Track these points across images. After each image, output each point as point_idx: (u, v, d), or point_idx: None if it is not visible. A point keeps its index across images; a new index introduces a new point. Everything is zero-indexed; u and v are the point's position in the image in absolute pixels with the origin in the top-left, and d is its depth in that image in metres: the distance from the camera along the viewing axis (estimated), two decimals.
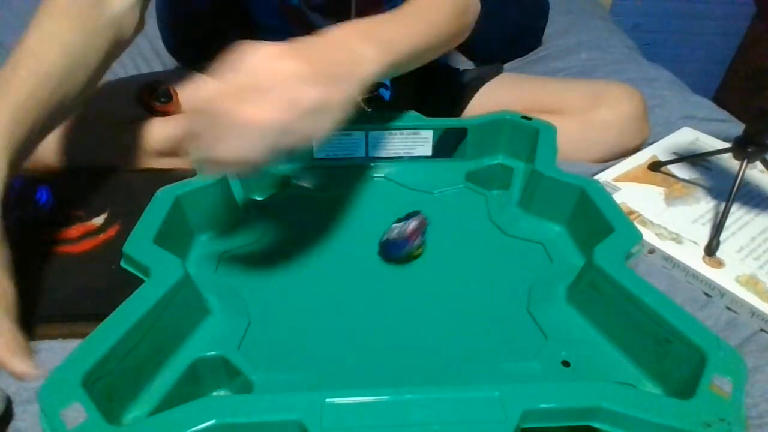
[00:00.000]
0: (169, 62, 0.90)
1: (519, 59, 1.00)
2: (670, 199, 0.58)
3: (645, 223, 0.55)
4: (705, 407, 0.29)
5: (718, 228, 0.51)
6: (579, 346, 0.38)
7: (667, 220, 0.55)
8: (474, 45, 0.95)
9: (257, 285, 0.44)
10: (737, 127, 0.73)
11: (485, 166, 0.57)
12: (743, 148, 0.53)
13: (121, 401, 0.33)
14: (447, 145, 0.56)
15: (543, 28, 1.02)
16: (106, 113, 0.59)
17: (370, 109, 0.70)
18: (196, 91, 0.34)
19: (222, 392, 0.37)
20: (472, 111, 0.74)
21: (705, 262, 0.51)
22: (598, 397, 0.29)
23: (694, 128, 0.70)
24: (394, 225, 0.46)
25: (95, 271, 0.44)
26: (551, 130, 0.54)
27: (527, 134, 0.54)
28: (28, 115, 0.40)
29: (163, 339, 0.36)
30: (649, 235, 0.53)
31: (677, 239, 0.53)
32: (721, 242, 0.51)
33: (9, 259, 0.36)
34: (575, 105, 0.67)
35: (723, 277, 0.49)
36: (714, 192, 0.59)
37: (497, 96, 0.73)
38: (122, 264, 0.40)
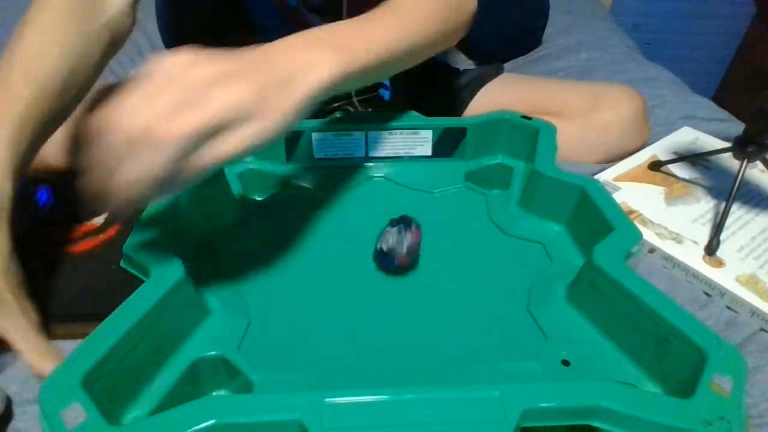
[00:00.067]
0: None
1: (519, 59, 1.00)
2: (670, 199, 0.58)
3: (645, 222, 0.55)
4: (705, 406, 0.29)
5: (718, 227, 0.51)
6: (579, 345, 0.38)
7: (667, 219, 0.55)
8: (474, 44, 0.95)
9: (257, 285, 0.44)
10: (737, 127, 0.73)
11: (485, 166, 0.57)
12: (743, 147, 0.53)
13: (121, 401, 0.33)
14: (447, 145, 0.56)
15: (543, 28, 1.02)
16: None
17: (369, 109, 0.70)
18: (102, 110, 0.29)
19: (222, 392, 0.37)
20: (471, 111, 0.74)
21: (705, 261, 0.51)
22: (598, 396, 0.29)
23: (694, 128, 0.70)
24: (387, 232, 0.45)
25: (95, 271, 0.44)
26: (551, 130, 0.54)
27: (527, 134, 0.54)
28: (31, 125, 0.39)
29: (163, 339, 0.36)
30: (649, 235, 0.53)
31: (677, 239, 0.53)
32: (721, 242, 0.51)
33: (22, 278, 0.37)
34: (576, 107, 0.67)
35: (723, 277, 0.49)
36: (714, 192, 0.59)
37: (497, 97, 0.73)
38: (122, 264, 0.40)
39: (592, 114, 0.66)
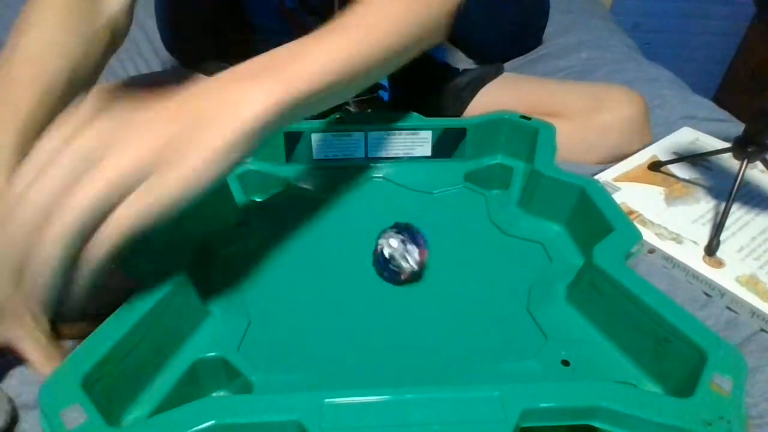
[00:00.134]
0: (169, 62, 0.90)
1: (519, 58, 1.00)
2: (670, 199, 0.58)
3: (645, 222, 0.55)
4: (705, 406, 0.29)
5: (718, 228, 0.51)
6: (579, 345, 0.38)
7: (667, 219, 0.55)
8: (474, 44, 0.95)
9: (257, 286, 0.44)
10: (737, 127, 0.73)
11: (484, 166, 0.57)
12: (743, 148, 0.53)
13: (120, 402, 0.33)
14: (446, 146, 0.56)
15: (543, 27, 1.02)
16: None
17: (369, 110, 0.70)
18: None
19: (222, 393, 0.37)
20: (471, 112, 0.74)
21: (705, 262, 0.51)
22: (598, 396, 0.29)
23: (694, 128, 0.70)
24: (390, 238, 0.44)
25: None
26: (550, 130, 0.54)
27: (526, 134, 0.54)
28: (35, 128, 0.38)
29: (163, 340, 0.36)
30: (649, 235, 0.53)
31: (677, 239, 0.53)
32: (721, 242, 0.51)
33: None
34: (576, 108, 0.67)
35: (723, 277, 0.49)
36: (714, 192, 0.59)
37: (497, 97, 0.73)
38: (122, 265, 0.40)
39: (592, 115, 0.66)
